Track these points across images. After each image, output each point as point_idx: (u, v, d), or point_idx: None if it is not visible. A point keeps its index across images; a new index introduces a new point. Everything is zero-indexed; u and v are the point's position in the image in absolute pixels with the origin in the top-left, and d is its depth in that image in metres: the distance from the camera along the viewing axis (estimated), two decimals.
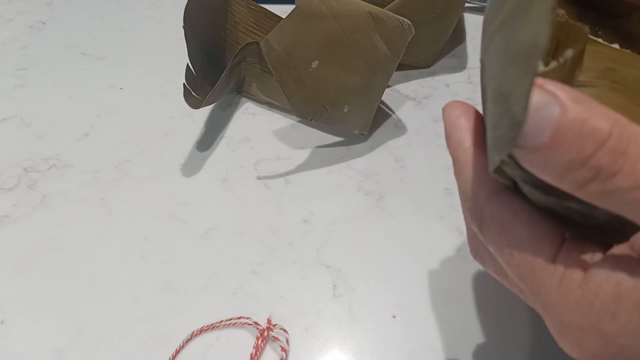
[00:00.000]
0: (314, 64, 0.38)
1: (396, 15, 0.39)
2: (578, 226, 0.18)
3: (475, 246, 0.22)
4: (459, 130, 0.20)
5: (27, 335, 0.30)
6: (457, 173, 0.20)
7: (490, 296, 0.32)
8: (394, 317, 0.31)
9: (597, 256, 0.17)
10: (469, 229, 0.22)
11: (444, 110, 0.22)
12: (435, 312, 0.31)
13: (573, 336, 0.17)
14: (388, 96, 0.47)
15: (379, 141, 0.43)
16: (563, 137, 0.14)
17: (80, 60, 0.52)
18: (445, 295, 0.32)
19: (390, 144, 0.43)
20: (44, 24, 0.58)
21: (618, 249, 0.17)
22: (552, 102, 0.14)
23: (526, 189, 0.18)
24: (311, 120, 0.41)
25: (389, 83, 0.49)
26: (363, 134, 0.43)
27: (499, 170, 0.17)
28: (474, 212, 0.19)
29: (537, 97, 0.14)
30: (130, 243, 0.35)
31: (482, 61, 0.20)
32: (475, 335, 0.30)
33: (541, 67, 0.15)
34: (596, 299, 0.16)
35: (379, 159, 0.41)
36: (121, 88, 0.49)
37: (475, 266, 0.34)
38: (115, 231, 0.36)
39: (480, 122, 0.21)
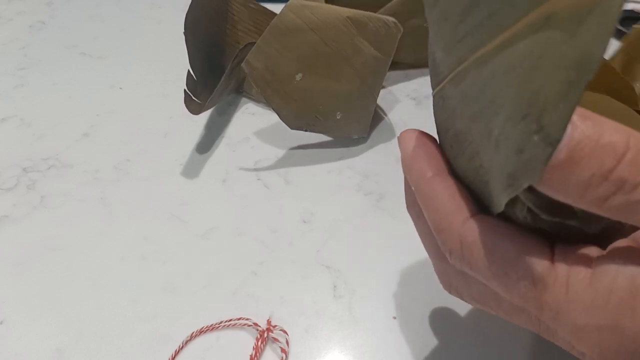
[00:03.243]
0: (298, 77, 0.38)
1: (379, 16, 0.39)
2: (562, 238, 0.18)
3: (448, 279, 0.21)
4: (419, 160, 0.20)
5: (27, 335, 0.30)
6: (424, 205, 0.20)
7: None
8: (394, 318, 0.31)
9: (594, 251, 0.17)
10: (436, 263, 0.22)
11: (399, 140, 0.21)
12: (435, 312, 0.31)
13: (593, 338, 0.16)
14: (388, 96, 0.47)
15: (379, 141, 0.43)
16: (580, 153, 0.14)
17: (80, 60, 0.52)
18: (446, 295, 0.32)
19: (391, 144, 0.43)
20: (44, 23, 0.58)
21: (621, 243, 0.17)
22: None
23: (519, 213, 0.18)
24: (305, 130, 0.41)
25: (390, 83, 0.49)
26: (363, 137, 0.43)
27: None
28: (451, 241, 0.18)
29: None
30: (130, 243, 0.35)
31: (442, 95, 0.19)
32: (475, 335, 0.30)
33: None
34: (612, 296, 0.15)
35: (379, 159, 0.41)
36: (121, 88, 0.49)
37: None
38: (115, 231, 0.36)
39: (437, 148, 0.20)
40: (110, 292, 0.32)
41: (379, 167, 0.41)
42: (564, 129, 0.14)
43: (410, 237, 0.35)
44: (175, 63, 0.46)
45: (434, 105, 0.21)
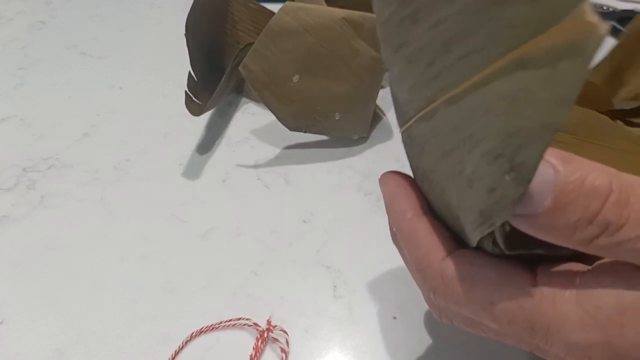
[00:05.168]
0: (295, 79, 0.39)
1: (374, 16, 0.39)
2: (543, 258, 0.18)
3: (437, 309, 0.21)
4: (400, 201, 0.20)
5: (27, 335, 0.30)
6: (405, 243, 0.20)
7: None
8: (395, 318, 0.31)
9: (577, 267, 0.17)
10: (425, 294, 0.22)
11: (380, 181, 0.22)
12: None
13: (584, 355, 0.16)
14: (388, 96, 0.47)
15: (379, 141, 0.43)
16: (566, 198, 0.15)
17: (80, 60, 0.52)
18: None
19: (391, 143, 0.43)
20: (44, 23, 0.58)
21: (605, 260, 0.17)
22: (544, 165, 0.15)
23: (487, 246, 0.18)
24: (305, 132, 0.41)
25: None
26: (363, 137, 0.43)
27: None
28: (432, 279, 0.19)
29: None
30: (130, 243, 0.35)
31: (409, 134, 0.20)
32: (475, 335, 0.30)
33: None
34: (599, 314, 0.16)
35: (379, 159, 0.41)
36: (121, 88, 0.49)
37: None
38: (115, 231, 0.36)
39: (416, 189, 0.21)
40: (110, 292, 0.32)
41: (379, 167, 0.41)
42: (534, 169, 0.14)
43: None
44: (175, 63, 0.46)
45: (403, 142, 0.22)
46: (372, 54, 0.39)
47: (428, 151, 0.19)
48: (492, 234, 0.17)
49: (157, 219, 0.37)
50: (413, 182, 0.21)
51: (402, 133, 0.21)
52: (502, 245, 0.17)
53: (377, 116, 0.45)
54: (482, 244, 0.18)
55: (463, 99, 0.16)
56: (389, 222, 0.23)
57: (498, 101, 0.15)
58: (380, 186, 0.22)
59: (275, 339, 0.30)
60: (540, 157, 0.14)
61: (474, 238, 0.17)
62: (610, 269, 0.16)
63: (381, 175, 0.22)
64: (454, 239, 0.20)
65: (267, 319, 0.30)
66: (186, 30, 0.41)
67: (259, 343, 0.29)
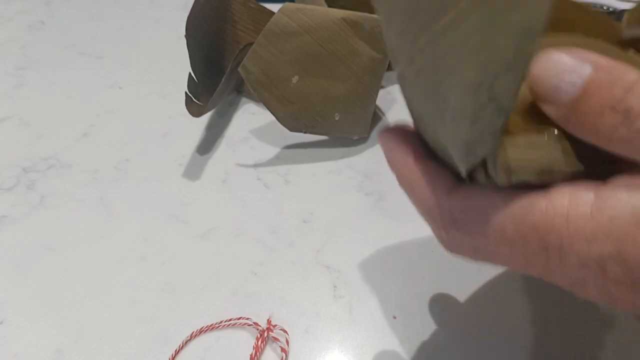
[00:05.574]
0: (294, 79, 0.39)
1: (374, 16, 0.39)
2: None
3: (447, 243, 0.22)
4: (398, 149, 0.21)
5: (27, 336, 0.30)
6: (409, 188, 0.21)
7: (490, 296, 0.32)
8: (395, 317, 0.31)
9: (588, 186, 0.17)
10: (436, 232, 0.22)
11: (379, 137, 0.22)
12: (435, 312, 0.31)
13: (596, 268, 0.16)
14: (389, 95, 0.47)
15: None
16: (594, 87, 0.16)
17: (79, 59, 0.52)
18: (446, 296, 0.32)
19: None
20: (43, 23, 0.58)
21: (621, 175, 0.17)
22: (582, 61, 0.16)
23: (479, 178, 0.18)
24: (305, 132, 0.41)
25: (389, 83, 0.48)
26: (363, 137, 0.43)
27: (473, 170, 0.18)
28: (443, 214, 0.19)
29: (568, 60, 0.16)
30: (129, 243, 0.35)
31: (403, 77, 0.20)
32: (475, 335, 0.30)
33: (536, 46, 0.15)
34: (614, 226, 0.16)
35: (379, 159, 0.41)
36: (120, 87, 0.49)
37: (476, 266, 0.33)
38: (115, 231, 0.36)
39: (414, 137, 0.22)
40: (110, 293, 0.32)
41: (380, 167, 0.40)
42: (514, 97, 0.15)
43: (410, 238, 0.36)
44: (175, 63, 0.46)
45: (400, 88, 0.23)
46: (371, 54, 0.39)
47: (418, 92, 0.19)
48: (485, 166, 0.18)
49: (157, 219, 0.37)
50: (411, 132, 0.22)
51: (398, 78, 0.22)
52: (494, 177, 0.17)
53: (377, 116, 0.45)
54: (476, 177, 0.19)
55: (442, 35, 0.17)
56: (392, 171, 0.23)
57: (473, 33, 0.15)
58: (379, 140, 0.22)
59: (276, 339, 0.30)
60: (517, 85, 0.15)
61: (463, 170, 0.18)
62: (626, 181, 0.16)
63: (379, 131, 0.22)
64: (454, 176, 0.20)
65: (267, 318, 0.30)
66: (186, 32, 0.41)
67: (259, 342, 0.29)
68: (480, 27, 0.15)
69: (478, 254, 0.20)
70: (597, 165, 0.17)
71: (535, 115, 0.17)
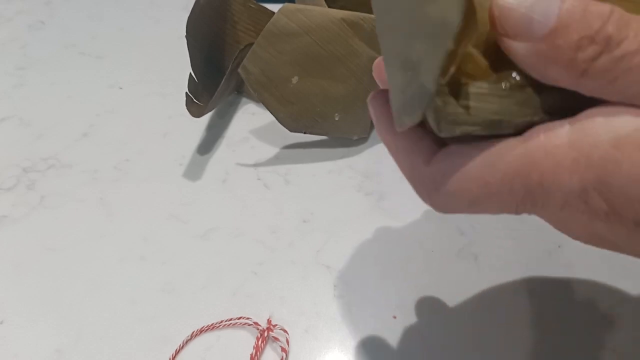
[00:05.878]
0: (294, 80, 0.39)
1: (373, 16, 0.39)
2: None
3: (436, 205, 0.21)
4: (385, 117, 0.21)
5: (27, 336, 0.30)
6: (394, 155, 0.21)
7: (490, 296, 0.32)
8: (395, 317, 0.31)
9: (562, 122, 0.17)
10: (425, 199, 0.22)
11: (369, 101, 0.23)
12: (435, 312, 0.31)
13: (578, 201, 0.16)
14: None
15: (379, 141, 0.43)
16: (570, 18, 0.15)
17: (79, 59, 0.52)
18: (445, 295, 0.32)
19: None
20: (43, 23, 0.58)
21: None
22: None
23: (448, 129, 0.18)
24: (305, 133, 0.41)
25: None
26: (363, 137, 0.43)
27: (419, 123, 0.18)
28: (424, 183, 0.19)
29: None
30: (129, 243, 0.35)
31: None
32: (475, 335, 0.30)
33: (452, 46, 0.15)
34: (594, 152, 0.15)
35: (379, 159, 0.41)
36: (120, 87, 0.49)
37: (475, 266, 0.33)
38: (115, 231, 0.36)
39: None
40: (110, 293, 0.32)
41: (380, 167, 0.41)
42: (435, 83, 0.15)
43: (410, 238, 0.36)
44: (175, 62, 0.46)
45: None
46: (371, 55, 0.39)
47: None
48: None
49: (157, 219, 0.37)
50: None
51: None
52: (437, 131, 0.17)
53: None
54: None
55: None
56: (381, 138, 0.23)
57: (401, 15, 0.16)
58: (369, 104, 0.23)
59: (276, 338, 0.30)
60: (437, 71, 0.15)
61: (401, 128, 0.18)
62: (599, 110, 0.16)
63: (370, 95, 0.23)
64: (436, 141, 0.20)
65: (268, 318, 0.31)
66: (187, 32, 0.41)
67: (260, 342, 0.29)
68: (410, 12, 0.16)
69: (471, 209, 0.20)
70: (556, 116, 0.17)
71: (495, 59, 0.17)
